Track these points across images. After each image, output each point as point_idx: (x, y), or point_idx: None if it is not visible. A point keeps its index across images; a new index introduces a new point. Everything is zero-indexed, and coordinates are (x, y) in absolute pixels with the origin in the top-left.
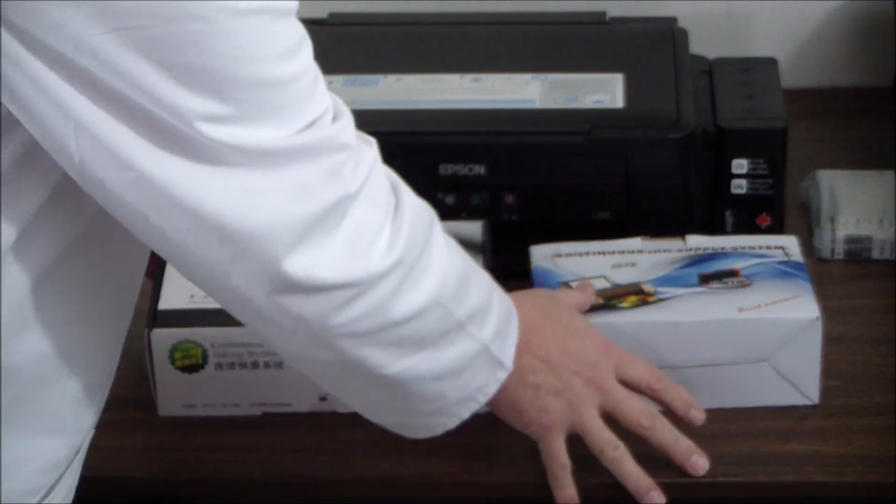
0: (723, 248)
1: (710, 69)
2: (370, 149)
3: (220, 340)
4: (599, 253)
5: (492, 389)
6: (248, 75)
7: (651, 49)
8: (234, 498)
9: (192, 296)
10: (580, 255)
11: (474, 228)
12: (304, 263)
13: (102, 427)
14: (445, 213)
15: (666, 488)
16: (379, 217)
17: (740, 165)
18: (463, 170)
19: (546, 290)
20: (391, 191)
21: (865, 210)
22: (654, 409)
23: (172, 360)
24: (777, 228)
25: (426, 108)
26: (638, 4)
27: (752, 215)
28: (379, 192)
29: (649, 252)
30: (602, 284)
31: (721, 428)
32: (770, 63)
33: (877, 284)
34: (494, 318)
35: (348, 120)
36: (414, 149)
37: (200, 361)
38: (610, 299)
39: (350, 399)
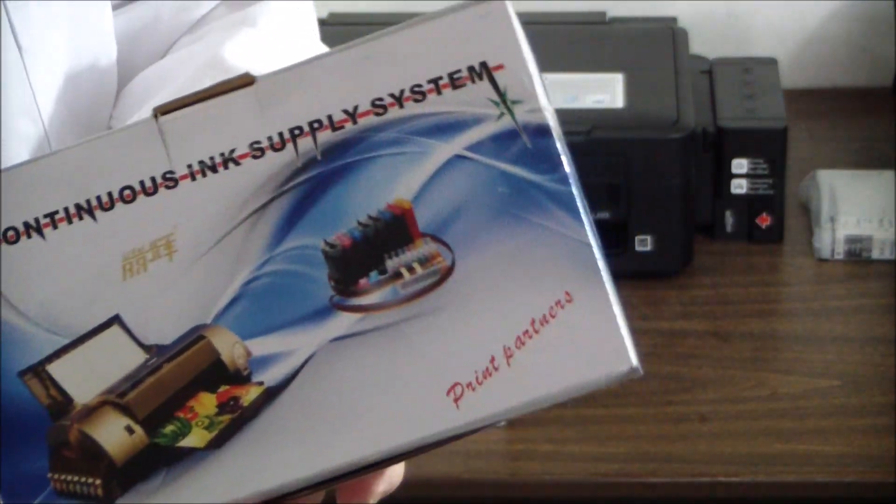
0: (351, 117)
1: (710, 69)
2: None
3: None
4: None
5: None
6: None
7: (651, 49)
8: None
9: None
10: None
11: None
12: None
13: None
14: None
15: (665, 487)
16: None
17: (740, 165)
18: None
19: None
20: None
21: (865, 210)
22: None
23: None
24: (777, 228)
25: None
26: (638, 4)
27: (752, 215)
28: None
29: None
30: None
31: (721, 428)
32: (770, 63)
33: (877, 284)
34: None
35: None
36: None
37: None
38: (153, 425)
39: None
